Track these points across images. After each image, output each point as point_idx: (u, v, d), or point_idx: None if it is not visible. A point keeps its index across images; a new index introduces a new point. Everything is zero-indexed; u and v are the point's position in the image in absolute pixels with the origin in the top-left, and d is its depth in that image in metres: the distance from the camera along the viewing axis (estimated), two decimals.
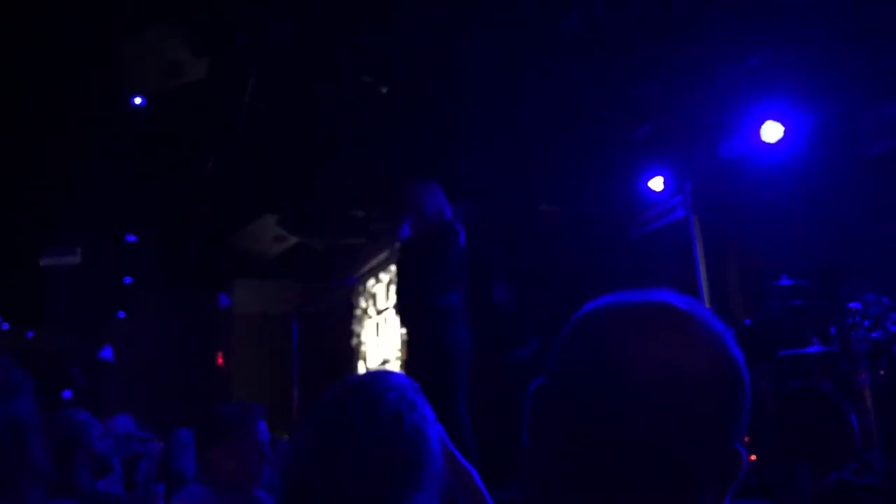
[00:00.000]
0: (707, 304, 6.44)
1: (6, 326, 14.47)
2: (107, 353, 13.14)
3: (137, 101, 6.37)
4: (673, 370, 0.73)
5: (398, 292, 4.73)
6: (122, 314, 13.97)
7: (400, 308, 4.59)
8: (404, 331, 4.34)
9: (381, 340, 11.38)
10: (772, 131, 6.01)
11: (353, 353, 12.44)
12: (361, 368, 12.11)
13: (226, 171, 7.80)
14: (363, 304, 12.31)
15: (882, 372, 4.69)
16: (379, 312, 11.54)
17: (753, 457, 5.17)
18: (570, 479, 0.74)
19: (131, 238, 10.52)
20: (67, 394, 13.54)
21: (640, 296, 0.80)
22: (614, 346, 0.75)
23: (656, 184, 7.13)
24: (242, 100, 6.34)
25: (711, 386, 0.74)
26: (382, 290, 11.42)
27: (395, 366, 10.67)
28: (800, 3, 5.02)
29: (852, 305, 4.80)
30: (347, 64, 5.97)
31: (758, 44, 5.56)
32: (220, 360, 13.07)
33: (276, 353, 10.37)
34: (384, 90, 6.37)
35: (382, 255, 11.26)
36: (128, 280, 12.76)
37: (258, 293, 12.60)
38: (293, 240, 9.89)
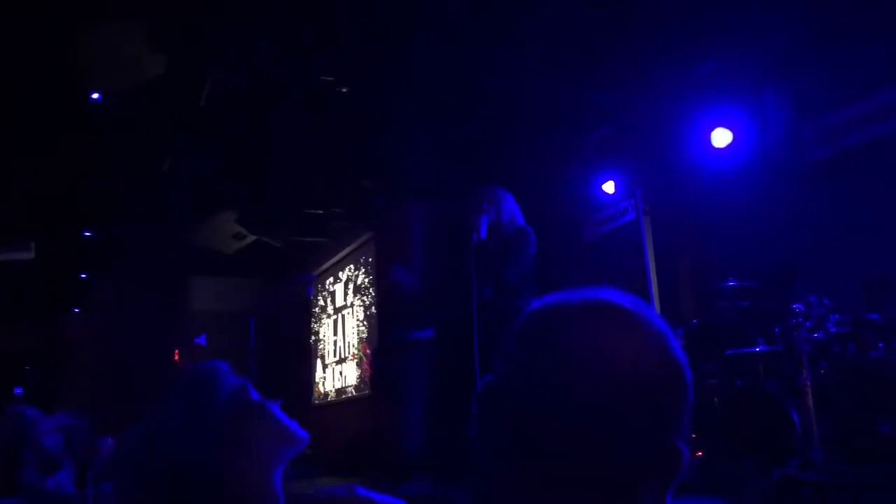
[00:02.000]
0: (657, 305, 6.60)
1: None
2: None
3: (95, 96, 6.29)
4: (617, 369, 0.73)
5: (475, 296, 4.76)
6: (77, 310, 13.74)
7: (475, 311, 4.61)
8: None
9: (339, 338, 11.38)
10: (721, 137, 6.15)
11: (311, 351, 12.41)
12: (319, 367, 12.09)
13: (184, 168, 7.73)
14: (322, 301, 12.29)
15: (823, 371, 4.83)
16: (337, 310, 11.53)
17: (700, 453, 5.30)
18: (517, 477, 0.76)
19: (87, 233, 10.37)
20: (19, 391, 13.30)
21: (585, 295, 0.81)
22: (559, 345, 0.76)
23: (609, 187, 7.25)
24: (200, 97, 6.31)
25: (654, 384, 0.75)
26: (341, 289, 11.41)
27: (351, 365, 10.69)
28: (748, 14, 5.15)
29: (796, 307, 4.92)
30: (307, 63, 5.97)
31: (709, 52, 5.70)
32: (176, 357, 12.93)
33: (234, 350, 10.27)
34: (344, 90, 6.37)
35: (341, 254, 11.26)
36: (83, 276, 12.56)
37: (216, 290, 12.50)
38: (252, 237, 9.83)
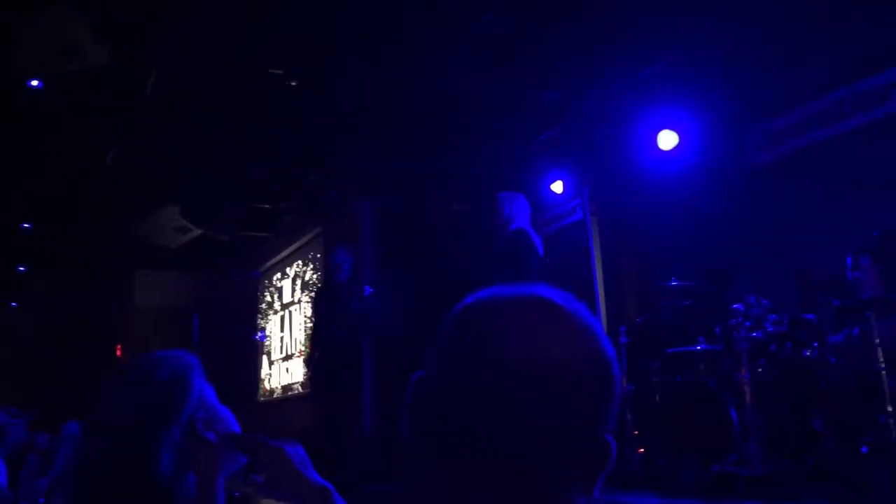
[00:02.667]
0: (602, 304, 6.70)
1: None
2: None
3: (34, 83, 6.12)
4: (546, 363, 0.74)
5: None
6: (13, 304, 13.35)
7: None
8: None
9: (285, 335, 11.28)
10: (667, 139, 6.26)
11: (257, 348, 12.28)
12: (265, 363, 11.97)
13: (128, 159, 7.57)
14: (268, 298, 12.17)
15: (760, 370, 4.96)
16: (284, 307, 11.43)
17: (642, 450, 5.40)
18: (446, 473, 0.75)
19: (26, 226, 10.08)
20: None
21: (516, 290, 0.81)
22: (489, 340, 0.76)
23: (557, 187, 7.34)
24: (146, 87, 6.18)
25: (584, 378, 0.75)
26: (288, 285, 11.31)
27: (297, 361, 10.60)
28: (693, 19, 5.25)
29: (735, 307, 5.05)
30: (256, 55, 5.90)
31: (655, 55, 5.79)
32: (118, 352, 12.67)
33: (177, 346, 10.08)
34: (293, 83, 6.32)
35: (289, 249, 11.16)
36: (21, 269, 12.21)
37: (159, 284, 12.28)
38: (197, 231, 9.68)
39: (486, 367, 0.74)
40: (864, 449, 4.24)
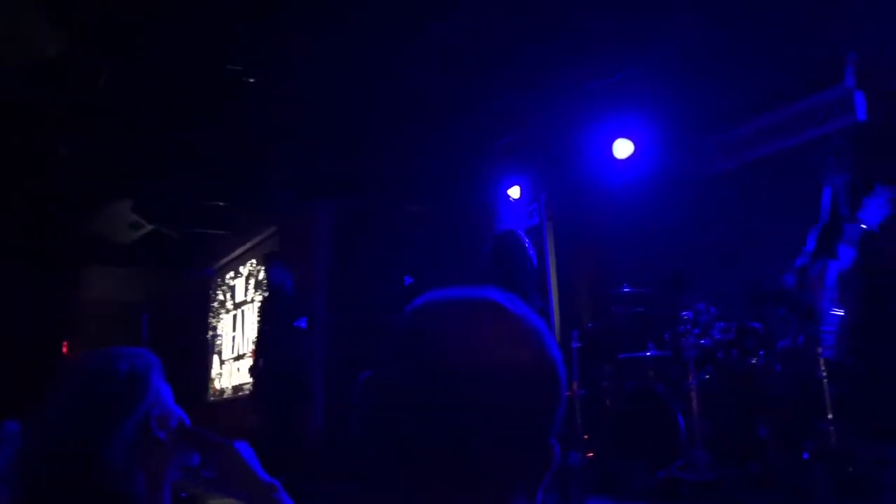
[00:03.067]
0: (556, 309, 6.75)
1: None
2: None
3: None
4: (492, 366, 0.74)
5: None
6: None
7: None
8: None
9: (237, 335, 11.15)
10: (623, 148, 6.35)
11: (208, 347, 12.12)
12: (216, 363, 11.82)
13: (81, 153, 7.41)
14: (220, 296, 12.02)
15: (708, 376, 5.06)
16: (237, 306, 11.29)
17: (591, 454, 5.46)
18: (392, 474, 0.76)
19: None
20: None
21: (464, 293, 0.81)
22: (436, 342, 0.76)
23: (514, 191, 7.38)
24: (99, 80, 6.06)
25: (528, 381, 0.76)
26: (242, 284, 11.19)
27: (249, 361, 10.49)
28: (651, 28, 5.33)
29: (685, 314, 5.14)
30: (213, 51, 5.83)
31: (613, 63, 5.86)
32: (65, 349, 12.38)
33: (125, 343, 9.92)
34: (251, 80, 6.25)
35: (243, 248, 11.04)
36: None
37: (109, 281, 12.03)
38: (149, 227, 9.52)
39: (434, 369, 0.75)
40: (805, 455, 4.34)
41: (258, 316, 7.04)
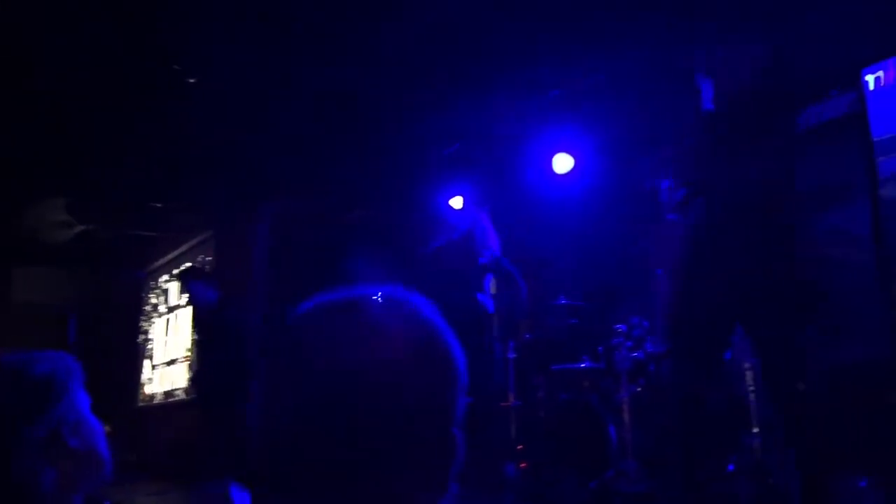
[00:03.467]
0: (495, 319, 6.80)
1: None
2: None
3: None
4: (377, 365, 0.74)
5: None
6: None
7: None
8: None
9: (170, 339, 10.91)
10: (563, 163, 6.43)
11: (139, 351, 11.84)
12: (146, 368, 11.54)
13: (9, 150, 7.17)
14: (153, 299, 11.75)
15: (639, 389, 5.15)
16: (170, 310, 11.06)
17: (524, 464, 5.50)
18: (286, 478, 0.75)
19: None
20: None
21: (346, 295, 0.82)
22: (320, 349, 0.76)
23: (456, 202, 7.41)
24: (32, 72, 5.88)
25: (419, 375, 0.75)
26: (175, 288, 10.96)
27: (182, 367, 10.28)
28: (592, 48, 5.44)
29: (618, 327, 5.23)
30: (153, 48, 5.71)
31: (554, 81, 5.96)
32: None
33: (53, 345, 9.62)
34: (191, 80, 6.14)
35: (178, 250, 10.82)
36: None
37: (37, 281, 11.65)
38: (80, 227, 9.27)
39: (319, 376, 0.74)
40: (730, 467, 4.46)
41: (194, 330, 6.87)
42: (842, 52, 5.23)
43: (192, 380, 6.59)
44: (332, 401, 0.73)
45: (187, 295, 6.64)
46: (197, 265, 8.84)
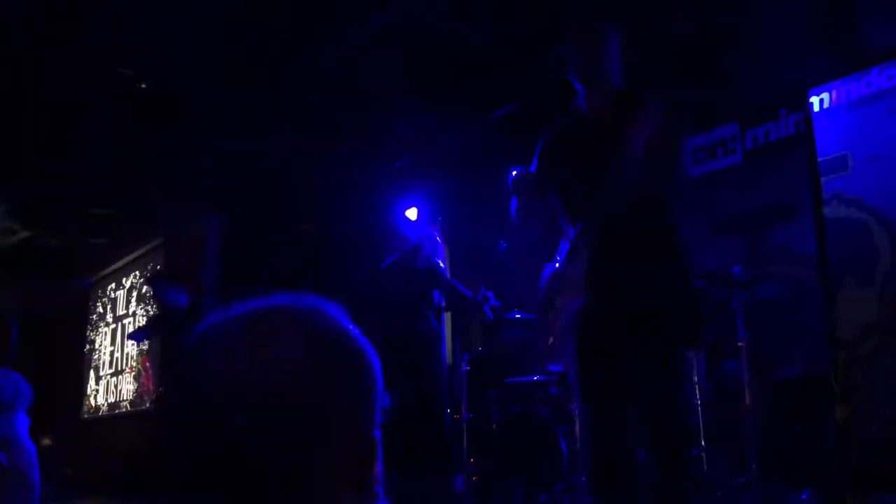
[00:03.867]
0: (448, 332, 6.80)
1: None
2: None
3: None
4: (281, 374, 0.73)
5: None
6: None
7: None
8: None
9: (116, 349, 10.69)
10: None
11: (84, 361, 11.56)
12: (91, 378, 11.28)
13: None
14: (100, 308, 11.50)
15: None
16: (117, 319, 10.83)
17: (475, 478, 5.50)
18: (191, 485, 0.74)
19: None
20: None
21: (252, 305, 0.81)
22: (224, 361, 0.75)
23: (412, 213, 7.41)
24: None
25: (329, 382, 0.75)
26: (123, 296, 10.74)
27: (128, 377, 10.08)
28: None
29: None
30: (104, 53, 5.61)
31: (508, 97, 6.01)
32: None
33: None
34: (143, 85, 6.05)
35: (126, 259, 10.61)
36: None
37: None
38: (25, 233, 9.05)
39: (226, 388, 0.73)
40: None
41: (160, 341, 6.66)
42: (791, 73, 5.38)
43: (154, 401, 6.39)
44: (223, 411, 0.72)
45: (156, 297, 6.50)
46: (165, 268, 8.70)
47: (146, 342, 9.03)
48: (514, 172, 2.95)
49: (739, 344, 4.49)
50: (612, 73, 2.75)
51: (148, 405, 8.85)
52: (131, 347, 10.13)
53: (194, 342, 0.79)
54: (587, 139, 2.76)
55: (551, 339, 2.74)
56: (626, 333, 2.56)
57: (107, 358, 10.94)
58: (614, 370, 2.54)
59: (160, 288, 6.38)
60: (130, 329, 10.24)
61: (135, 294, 10.38)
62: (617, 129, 2.62)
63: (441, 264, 4.81)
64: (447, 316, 7.27)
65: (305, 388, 0.74)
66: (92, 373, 11.31)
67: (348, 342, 0.80)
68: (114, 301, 11.06)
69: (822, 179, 4.85)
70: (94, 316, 11.65)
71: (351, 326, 0.81)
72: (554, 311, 2.74)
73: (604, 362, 2.56)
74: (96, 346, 11.40)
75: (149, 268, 10.02)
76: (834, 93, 4.91)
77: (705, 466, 4.47)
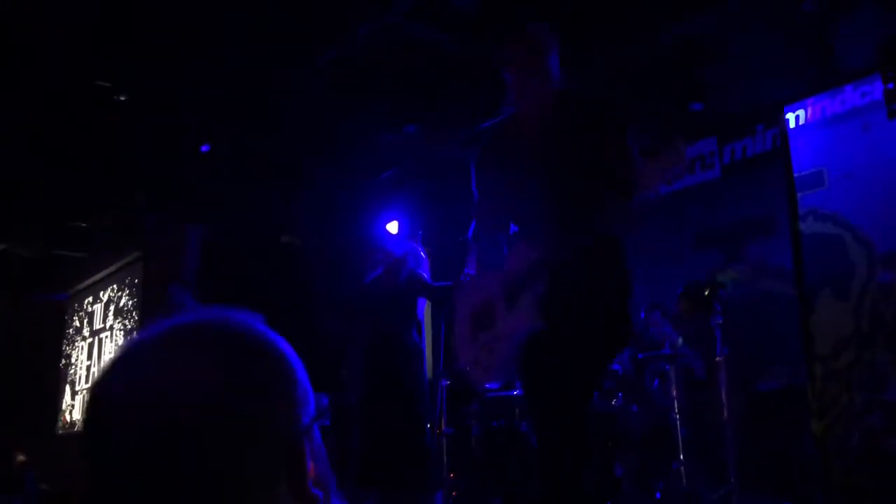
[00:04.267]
0: (429, 350, 6.79)
1: None
2: None
3: None
4: (194, 386, 0.73)
5: None
6: None
7: None
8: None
9: (93, 364, 10.56)
10: None
11: (60, 376, 11.41)
12: (67, 393, 11.13)
13: None
14: (76, 322, 11.37)
15: None
16: (94, 333, 10.71)
17: (455, 493, 5.48)
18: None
19: None
20: None
21: (196, 315, 0.81)
22: (144, 379, 0.75)
23: (393, 226, 7.40)
24: None
25: (235, 391, 0.75)
26: (100, 310, 10.63)
27: None
28: None
29: None
30: (82, 65, 5.57)
31: (489, 111, 6.02)
32: None
33: None
34: (122, 98, 6.00)
35: (104, 272, 10.51)
36: None
37: None
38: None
39: (146, 406, 0.73)
40: (657, 495, 4.52)
41: None
42: (768, 89, 5.45)
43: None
44: (141, 434, 0.72)
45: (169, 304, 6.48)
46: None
47: None
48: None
49: (717, 358, 4.51)
50: (550, 74, 2.67)
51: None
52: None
53: (106, 370, 0.78)
54: (522, 141, 2.71)
55: (489, 358, 2.64)
56: (565, 356, 2.49)
57: (83, 373, 10.80)
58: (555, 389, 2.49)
59: (170, 288, 6.38)
60: (109, 343, 10.13)
61: (112, 308, 10.27)
62: (558, 131, 2.58)
63: (425, 276, 4.81)
64: (428, 329, 7.26)
65: (221, 399, 0.74)
66: (68, 388, 11.16)
67: (261, 349, 0.79)
68: (91, 315, 10.94)
69: (799, 195, 4.90)
70: (71, 330, 11.51)
71: (266, 333, 0.81)
72: (494, 332, 2.64)
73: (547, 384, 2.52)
74: (73, 360, 11.26)
75: (126, 281, 9.93)
76: (809, 109, 4.97)
77: (684, 480, 4.48)
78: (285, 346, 0.81)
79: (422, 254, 4.98)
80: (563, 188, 2.56)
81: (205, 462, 0.72)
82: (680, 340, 5.27)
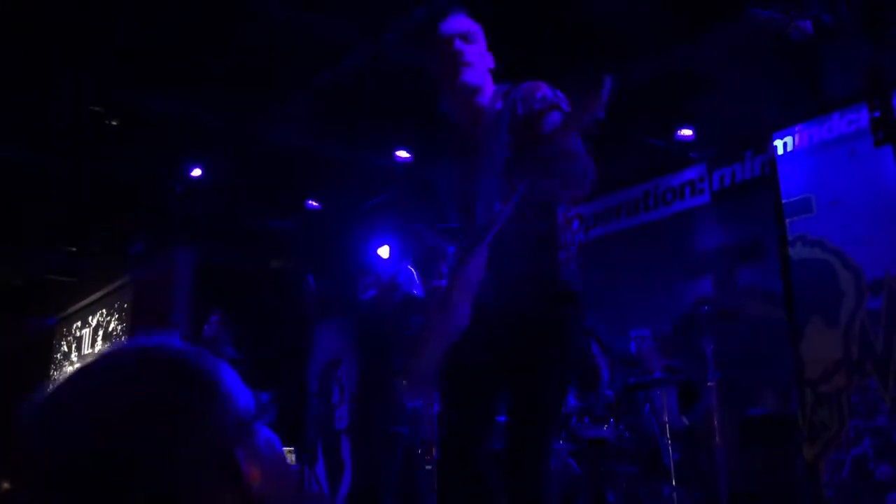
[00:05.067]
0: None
1: None
2: None
3: None
4: (116, 415, 0.75)
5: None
6: None
7: None
8: None
9: None
10: None
11: None
12: None
13: None
14: (65, 347, 11.28)
15: (562, 442, 5.18)
16: (83, 358, 10.62)
17: None
18: None
19: None
20: None
21: (145, 340, 0.83)
22: (95, 388, 0.79)
23: (384, 251, 7.40)
24: None
25: (165, 407, 0.77)
26: (89, 335, 10.56)
27: None
28: None
29: None
30: (74, 90, 5.58)
31: None
32: None
33: None
34: (113, 123, 6.00)
35: (93, 297, 10.45)
36: None
37: None
38: None
39: (70, 431, 0.77)
40: None
41: None
42: (756, 116, 5.52)
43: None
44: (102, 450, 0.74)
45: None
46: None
47: None
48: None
49: (710, 383, 4.51)
50: (477, 76, 2.52)
51: None
52: None
53: (37, 402, 0.83)
54: (463, 148, 2.58)
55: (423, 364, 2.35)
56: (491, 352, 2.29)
57: None
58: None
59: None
60: None
61: (101, 332, 10.21)
62: (492, 128, 2.43)
63: (419, 295, 4.82)
64: None
65: (144, 419, 0.76)
66: None
67: (177, 367, 0.81)
68: (79, 340, 10.86)
69: (788, 221, 4.94)
70: (59, 355, 11.42)
71: (184, 351, 0.83)
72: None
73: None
74: None
75: (115, 306, 9.87)
76: (797, 136, 5.03)
77: (676, 503, 4.47)
78: (206, 361, 0.83)
79: (412, 271, 4.99)
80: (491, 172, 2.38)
81: (132, 483, 0.73)
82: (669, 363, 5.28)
